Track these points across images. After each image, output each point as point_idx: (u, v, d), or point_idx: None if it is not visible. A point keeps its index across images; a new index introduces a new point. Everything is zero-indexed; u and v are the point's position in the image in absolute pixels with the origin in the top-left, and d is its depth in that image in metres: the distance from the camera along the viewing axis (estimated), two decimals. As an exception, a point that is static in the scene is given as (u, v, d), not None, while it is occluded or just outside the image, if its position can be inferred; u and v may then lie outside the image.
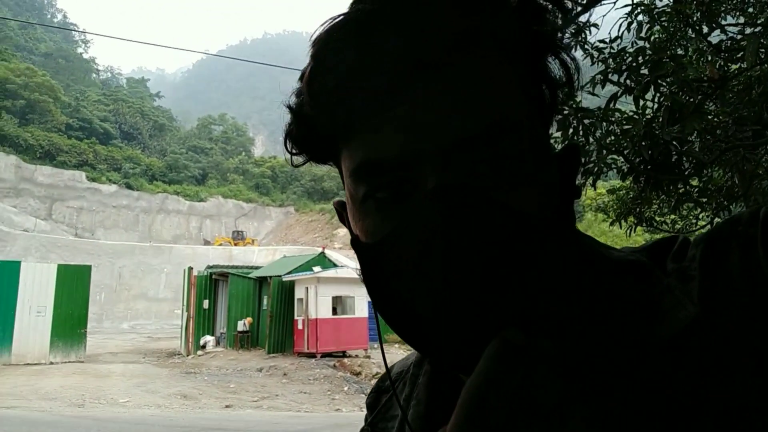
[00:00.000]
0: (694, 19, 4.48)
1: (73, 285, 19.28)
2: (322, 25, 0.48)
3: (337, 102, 0.47)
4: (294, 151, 0.54)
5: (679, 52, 4.59)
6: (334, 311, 18.22)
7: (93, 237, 52.20)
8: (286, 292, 19.66)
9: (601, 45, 4.86)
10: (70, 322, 18.88)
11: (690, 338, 0.41)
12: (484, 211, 0.42)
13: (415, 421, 0.60)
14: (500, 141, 0.43)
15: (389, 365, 0.70)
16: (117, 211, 58.04)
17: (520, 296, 0.43)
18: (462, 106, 0.43)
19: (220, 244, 50.62)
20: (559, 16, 0.48)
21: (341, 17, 0.47)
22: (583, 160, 4.86)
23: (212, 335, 21.44)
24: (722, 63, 4.62)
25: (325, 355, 17.52)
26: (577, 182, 0.52)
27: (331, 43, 0.46)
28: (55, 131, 60.96)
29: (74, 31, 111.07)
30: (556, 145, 4.88)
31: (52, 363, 17.97)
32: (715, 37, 4.69)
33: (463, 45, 0.44)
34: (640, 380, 0.41)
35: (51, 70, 77.94)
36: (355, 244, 0.51)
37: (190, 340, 21.04)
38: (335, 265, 21.08)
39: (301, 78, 0.50)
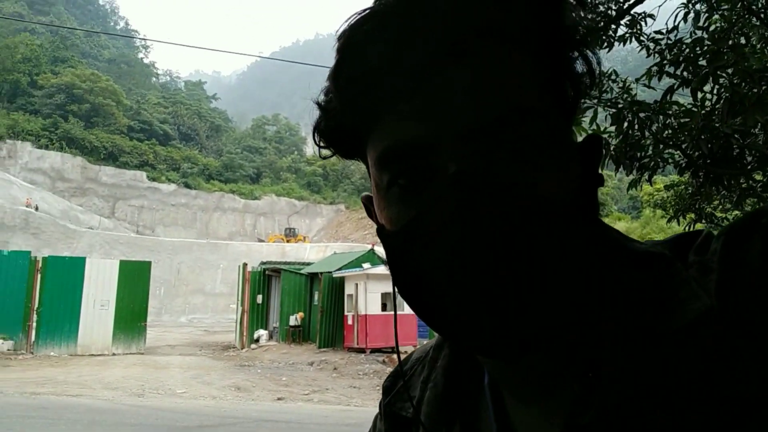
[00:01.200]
0: (759, 5, 4.28)
1: (134, 280, 20.07)
2: (346, 20, 0.50)
3: (361, 92, 0.49)
4: (322, 144, 0.56)
5: (741, 41, 4.39)
6: (384, 307, 18.30)
7: (153, 234, 54.22)
8: (336, 287, 19.88)
9: (658, 36, 4.71)
10: (131, 315, 19.69)
11: (702, 329, 0.41)
12: (501, 197, 0.43)
13: (431, 402, 0.61)
14: (518, 127, 0.44)
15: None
16: (176, 209, 60.05)
17: (538, 281, 0.43)
18: (480, 93, 0.44)
19: (274, 242, 51.63)
20: (581, 11, 0.49)
21: (365, 12, 0.49)
22: (638, 154, 4.72)
23: (265, 329, 21.90)
24: (789, 51, 4.39)
25: (374, 351, 17.62)
26: (600, 171, 0.52)
27: (355, 37, 0.49)
28: (117, 133, 63.69)
29: (135, 38, 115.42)
30: (611, 140, 4.75)
31: (114, 354, 18.79)
32: (781, 24, 4.46)
33: (482, 35, 0.46)
34: (651, 368, 0.42)
35: (114, 75, 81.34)
36: (380, 232, 0.53)
37: (245, 333, 21.60)
38: (384, 262, 21.09)
39: (329, 76, 0.52)
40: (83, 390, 11.91)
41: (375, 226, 0.54)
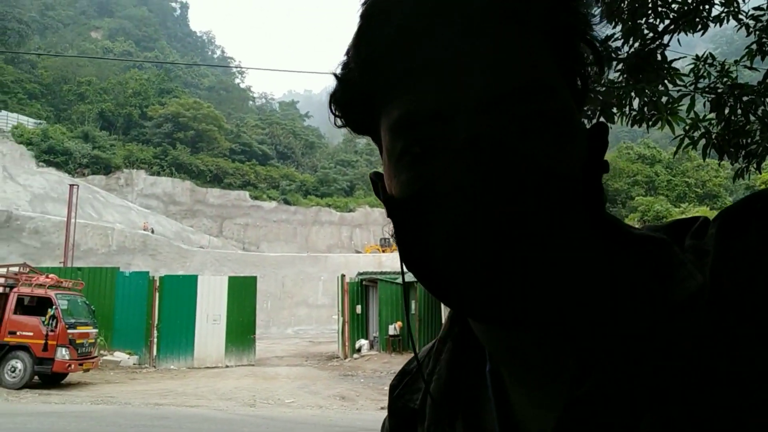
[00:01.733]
0: None
1: (242, 294, 21.14)
2: None
3: (381, 60, 0.50)
4: (337, 113, 0.58)
5: None
6: (482, 314, 18.03)
7: (258, 250, 56.77)
8: (432, 296, 19.82)
9: (757, 12, 4.37)
10: (241, 328, 20.72)
11: (696, 307, 0.42)
12: (510, 165, 0.44)
13: (434, 392, 0.63)
14: (532, 102, 0.46)
15: None
16: (277, 225, 62.49)
17: (543, 250, 0.44)
18: (497, 67, 0.46)
19: (371, 252, 52.39)
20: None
21: None
22: (743, 141, 4.39)
23: (366, 339, 22.27)
24: None
25: (475, 359, 17.40)
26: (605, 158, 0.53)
27: (377, 5, 0.51)
28: (221, 156, 67.52)
29: (230, 67, 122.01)
30: (712, 128, 4.45)
31: (227, 366, 19.85)
32: None
33: (502, 13, 0.47)
34: (646, 343, 0.43)
35: (214, 101, 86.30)
36: (388, 202, 0.53)
37: (346, 343, 22.09)
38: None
39: (350, 44, 0.54)
40: (200, 401, 12.68)
41: None
